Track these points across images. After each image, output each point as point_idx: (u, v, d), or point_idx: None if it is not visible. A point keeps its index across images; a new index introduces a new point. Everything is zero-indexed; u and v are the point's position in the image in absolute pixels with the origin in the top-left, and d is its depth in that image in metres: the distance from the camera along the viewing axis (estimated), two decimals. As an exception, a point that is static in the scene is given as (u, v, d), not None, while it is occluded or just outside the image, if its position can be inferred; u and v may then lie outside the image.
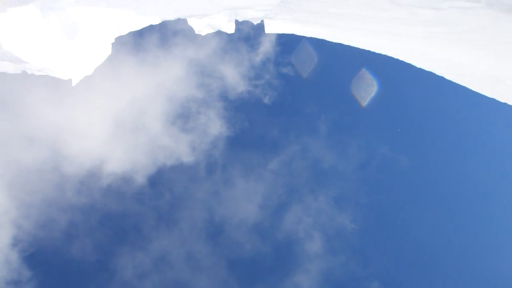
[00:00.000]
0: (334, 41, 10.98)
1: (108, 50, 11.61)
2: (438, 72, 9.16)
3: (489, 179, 25.71)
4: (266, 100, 25.19)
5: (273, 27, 11.92)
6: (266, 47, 24.58)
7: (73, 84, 11.54)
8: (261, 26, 12.64)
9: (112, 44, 11.64)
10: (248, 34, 24.87)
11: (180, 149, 24.30)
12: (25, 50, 9.74)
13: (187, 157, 24.42)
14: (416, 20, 8.24)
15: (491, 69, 7.87)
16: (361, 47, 10.61)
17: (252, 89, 24.87)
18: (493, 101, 8.39)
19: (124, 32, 11.37)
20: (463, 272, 25.61)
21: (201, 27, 12.46)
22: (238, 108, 25.40)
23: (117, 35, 11.32)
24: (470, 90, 8.71)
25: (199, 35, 13.22)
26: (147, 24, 11.49)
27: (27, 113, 21.61)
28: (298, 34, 11.69)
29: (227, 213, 25.16)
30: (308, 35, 11.54)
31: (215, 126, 24.87)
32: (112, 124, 23.66)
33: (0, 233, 21.17)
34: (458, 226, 25.79)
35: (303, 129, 26.08)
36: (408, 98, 25.54)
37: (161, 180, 24.67)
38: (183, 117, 24.80)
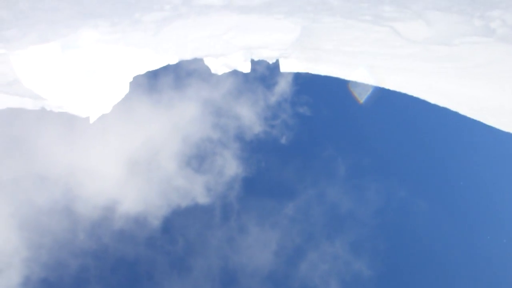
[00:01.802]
0: (348, 79, 11.10)
1: (126, 88, 11.84)
2: (453, 108, 9.15)
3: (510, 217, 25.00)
4: (283, 140, 25.17)
5: (288, 66, 12.10)
6: (282, 87, 24.72)
7: (91, 121, 11.72)
8: (276, 66, 12.84)
9: (130, 82, 11.88)
10: (263, 74, 25.08)
11: (195, 190, 24.21)
12: (45, 87, 9.97)
13: (203, 199, 24.27)
14: (428, 56, 8.32)
15: (506, 103, 7.85)
16: (375, 84, 10.69)
17: (268, 129, 24.90)
18: (509, 135, 8.31)
19: (142, 71, 11.62)
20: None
21: (217, 66, 12.69)
22: (254, 149, 25.36)
23: (135, 74, 11.57)
24: (486, 124, 8.66)
25: (214, 75, 13.45)
26: (165, 64, 11.74)
27: (41, 152, 21.80)
28: (312, 72, 11.84)
29: (241, 260, 24.72)
30: (322, 74, 11.69)
31: (231, 167, 24.79)
32: (126, 164, 23.75)
33: (11, 273, 21.02)
34: (482, 271, 24.97)
35: (319, 171, 25.88)
36: (424, 136, 25.32)
37: (175, 223, 24.38)
38: (198, 158, 24.81)
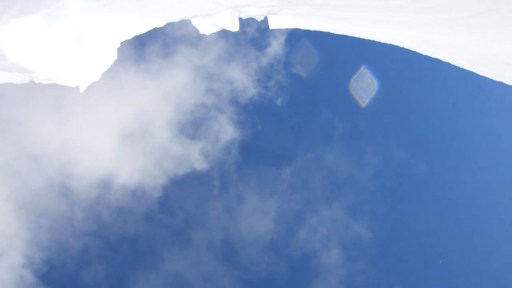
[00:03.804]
0: (339, 33, 10.93)
1: (114, 55, 11.67)
2: (445, 59, 9.07)
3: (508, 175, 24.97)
4: (278, 102, 24.75)
5: (276, 23, 11.91)
6: (274, 48, 24.11)
7: (81, 90, 11.61)
8: (267, 27, 12.65)
9: (118, 48, 11.69)
10: (254, 35, 24.40)
11: (192, 157, 23.98)
12: (32, 60, 9.82)
13: (200, 165, 24.05)
14: (419, 7, 8.17)
15: (497, 53, 7.77)
16: (366, 37, 10.54)
17: (263, 91, 24.47)
18: (503, 85, 8.28)
19: (129, 36, 11.41)
20: (483, 278, 25.01)
21: (205, 27, 12.49)
22: (249, 112, 24.91)
23: (122, 40, 11.37)
24: (479, 75, 8.61)
25: (203, 40, 13.25)
26: (151, 27, 11.52)
27: (31, 129, 21.38)
28: (302, 28, 11.66)
29: (241, 229, 24.61)
30: (312, 29, 11.51)
31: (227, 132, 24.46)
32: (120, 136, 23.35)
33: (12, 255, 21.00)
34: (479, 232, 25.11)
35: (317, 132, 25.62)
36: (418, 91, 24.83)
37: (174, 193, 24.00)
38: (193, 124, 24.42)
